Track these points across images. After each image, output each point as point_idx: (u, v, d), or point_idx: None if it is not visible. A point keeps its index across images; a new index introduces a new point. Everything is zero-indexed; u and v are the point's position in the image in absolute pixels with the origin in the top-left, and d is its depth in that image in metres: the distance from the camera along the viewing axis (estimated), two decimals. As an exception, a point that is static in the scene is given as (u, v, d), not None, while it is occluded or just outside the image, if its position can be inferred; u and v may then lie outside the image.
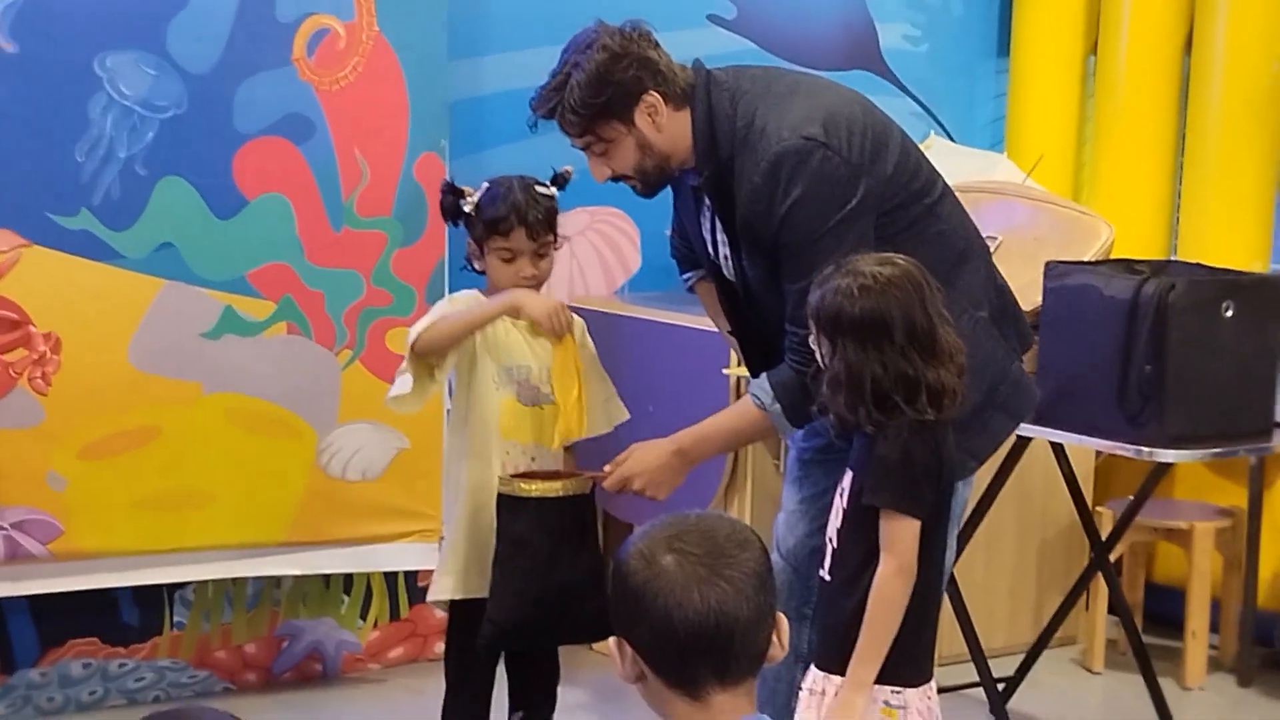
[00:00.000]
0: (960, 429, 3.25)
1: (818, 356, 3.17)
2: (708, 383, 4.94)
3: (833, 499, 3.33)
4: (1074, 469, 4.99)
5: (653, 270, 5.56)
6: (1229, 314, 4.38)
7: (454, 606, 3.93)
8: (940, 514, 3.15)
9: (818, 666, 3.21)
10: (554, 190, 3.90)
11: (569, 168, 3.94)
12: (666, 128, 3.49)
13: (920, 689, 3.14)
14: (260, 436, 4.79)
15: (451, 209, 3.88)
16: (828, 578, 3.21)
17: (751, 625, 2.13)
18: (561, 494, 3.71)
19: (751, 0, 5.77)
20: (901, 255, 3.16)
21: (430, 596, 3.98)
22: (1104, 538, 5.02)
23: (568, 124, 3.52)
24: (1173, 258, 5.58)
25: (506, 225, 3.79)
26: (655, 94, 3.47)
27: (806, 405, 3.34)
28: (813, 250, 3.34)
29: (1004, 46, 6.25)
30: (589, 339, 4.00)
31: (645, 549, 2.16)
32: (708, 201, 3.56)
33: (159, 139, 4.59)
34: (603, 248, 5.58)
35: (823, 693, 3.18)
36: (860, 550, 3.12)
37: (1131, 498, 4.97)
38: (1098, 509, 5.42)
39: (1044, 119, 6.12)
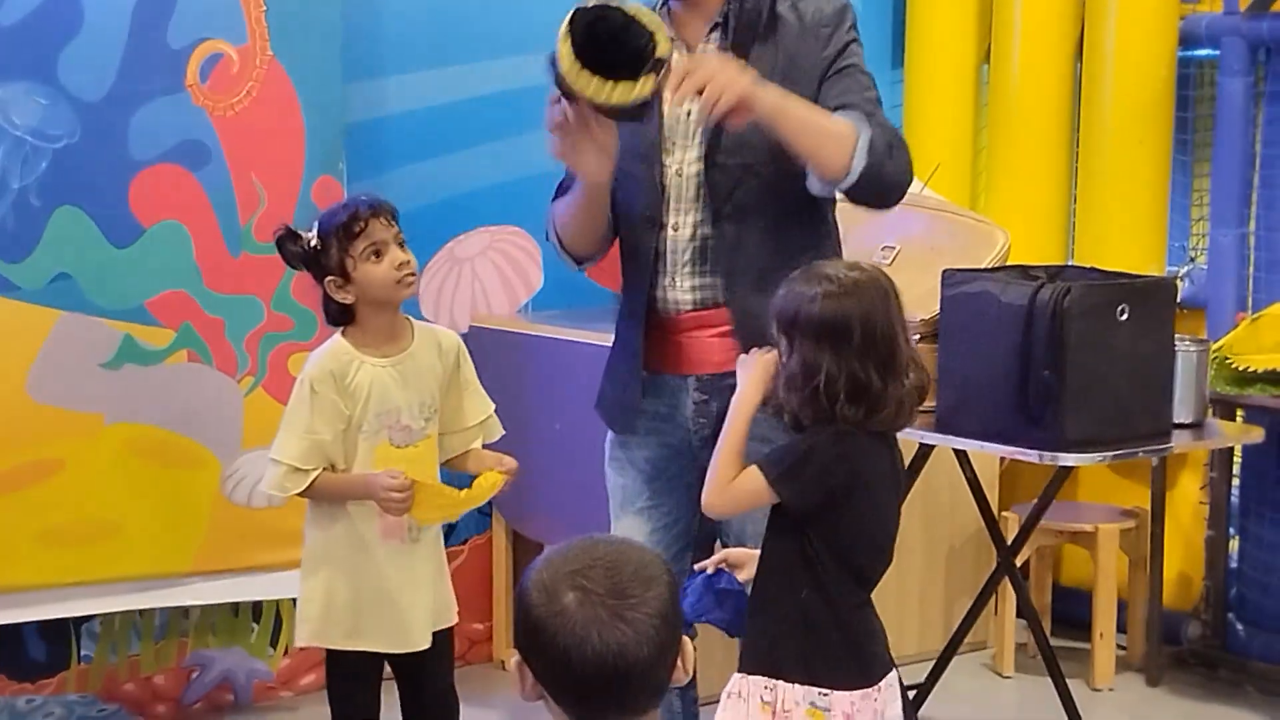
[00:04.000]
0: None
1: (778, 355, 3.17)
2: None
3: (682, 530, 3.56)
4: (978, 475, 5.03)
5: (555, 288, 5.56)
6: (1124, 318, 4.43)
7: (330, 654, 3.95)
8: (844, 523, 3.14)
9: (742, 670, 3.21)
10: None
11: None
12: None
13: (847, 694, 3.15)
14: (164, 466, 4.75)
15: (297, 254, 3.84)
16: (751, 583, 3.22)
17: (652, 664, 2.09)
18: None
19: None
20: (869, 262, 3.18)
21: (299, 641, 3.98)
22: (1010, 542, 5.06)
23: None
24: (1069, 263, 5.64)
25: (360, 222, 3.77)
26: None
27: (879, 166, 3.35)
28: (863, 84, 3.43)
29: (898, 58, 6.29)
30: (465, 356, 3.98)
31: (547, 581, 2.11)
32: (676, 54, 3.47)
33: (52, 169, 4.55)
34: (504, 266, 5.57)
35: (739, 695, 3.18)
36: (783, 557, 3.15)
37: (1036, 501, 5.02)
38: (1003, 514, 5.46)
39: (940, 128, 6.16)
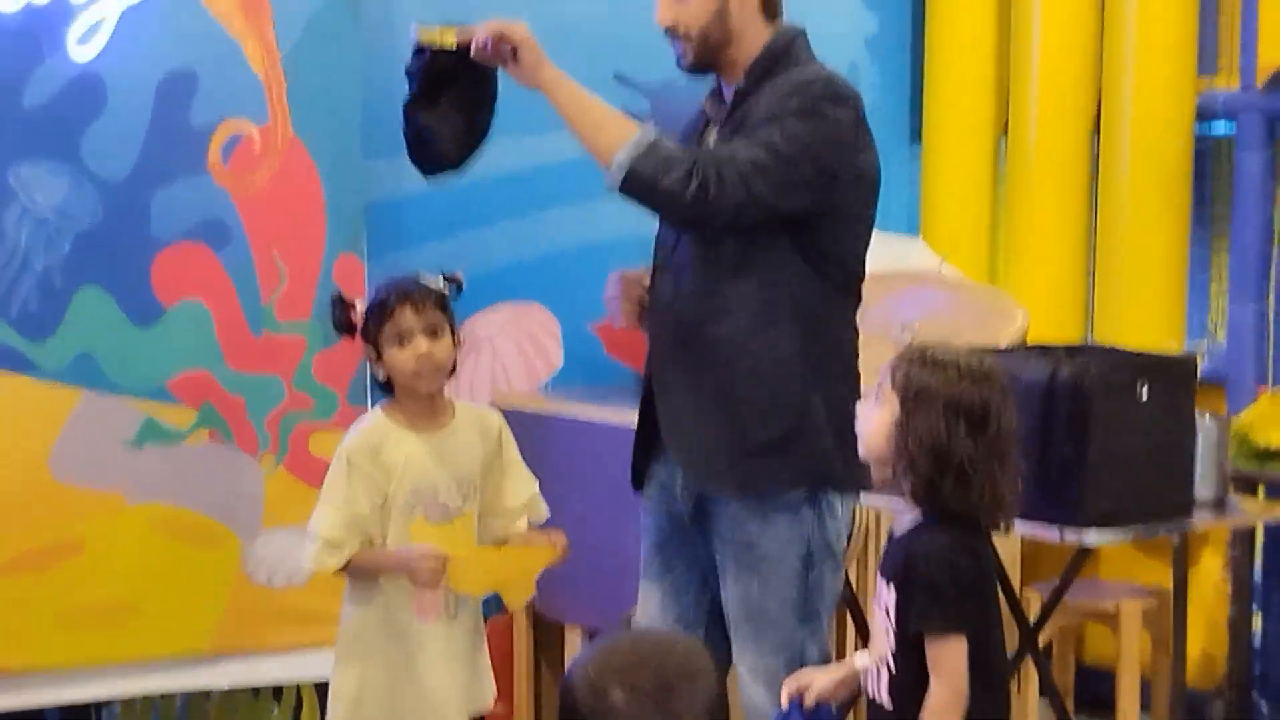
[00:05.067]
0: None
1: (885, 423, 3.07)
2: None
3: (691, 602, 3.59)
4: (999, 552, 5.00)
5: (576, 366, 5.56)
6: (1144, 395, 4.42)
7: None
8: (989, 623, 3.07)
9: None
10: (440, 283, 3.88)
11: (459, 272, 3.93)
12: (748, 18, 3.53)
13: None
14: (185, 546, 4.74)
15: (344, 321, 3.88)
16: (889, 705, 3.11)
17: None
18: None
19: (666, 98, 5.78)
20: (988, 355, 3.15)
21: None
22: (1032, 621, 5.03)
23: None
24: (1088, 339, 5.64)
25: (389, 307, 3.79)
26: None
27: (655, 175, 3.34)
28: (768, 133, 3.40)
29: (916, 132, 6.31)
30: (508, 436, 3.98)
31: (594, 678, 2.12)
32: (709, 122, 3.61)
33: (75, 248, 4.57)
34: (524, 344, 5.58)
35: None
36: (924, 673, 3.05)
37: (1057, 580, 4.99)
38: (1025, 592, 5.44)
39: (958, 203, 6.18)
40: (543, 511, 4.00)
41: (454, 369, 3.90)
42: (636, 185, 3.36)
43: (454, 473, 3.83)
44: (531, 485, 3.99)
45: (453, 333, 3.86)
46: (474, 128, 3.65)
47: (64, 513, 4.59)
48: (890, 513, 4.79)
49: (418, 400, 3.84)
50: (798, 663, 3.47)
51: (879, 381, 3.10)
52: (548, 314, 5.54)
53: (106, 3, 4.57)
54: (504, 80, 3.63)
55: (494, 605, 5.43)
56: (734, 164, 3.36)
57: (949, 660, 3.00)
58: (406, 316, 3.79)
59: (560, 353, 5.60)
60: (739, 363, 3.51)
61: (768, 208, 3.40)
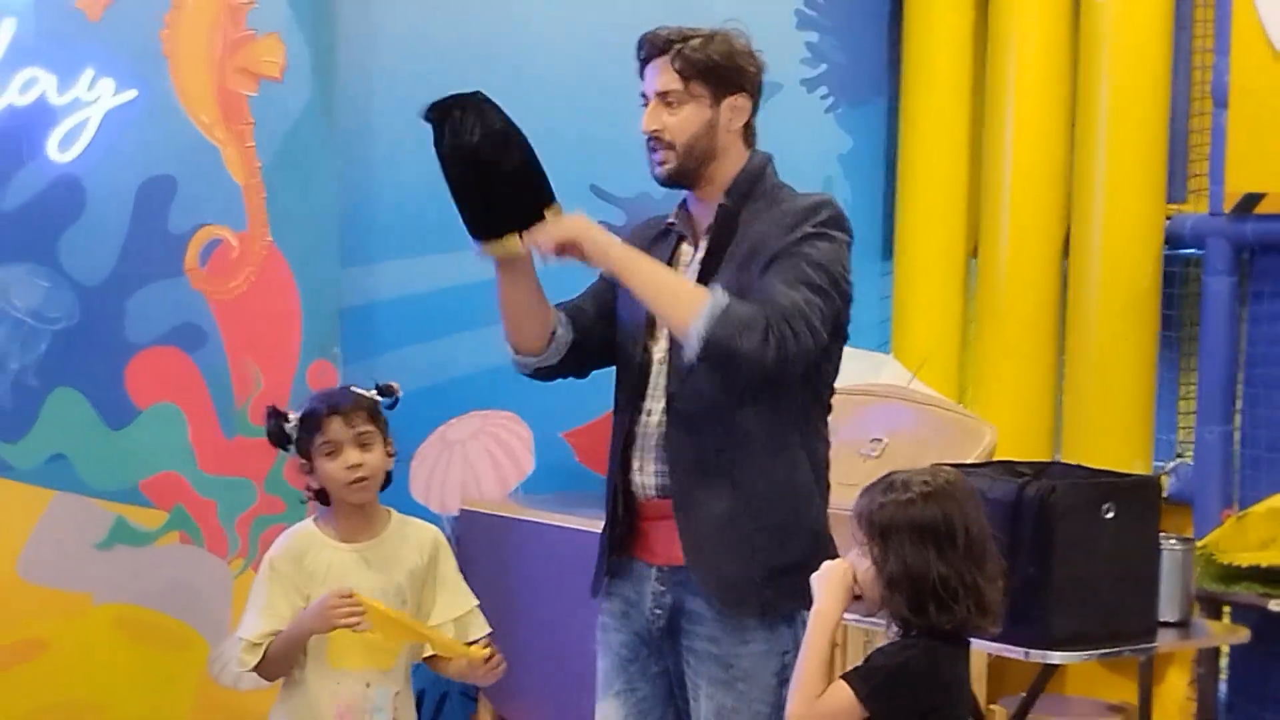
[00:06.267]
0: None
1: (870, 570, 3.08)
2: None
3: (659, 707, 3.56)
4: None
5: (546, 472, 5.59)
6: (1109, 515, 4.45)
7: None
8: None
9: None
10: (374, 394, 3.89)
11: (394, 383, 3.93)
12: (731, 137, 3.54)
13: None
14: (151, 647, 4.76)
15: (276, 433, 3.88)
16: None
17: None
18: None
19: (640, 210, 5.82)
20: (946, 467, 3.16)
21: None
22: (996, 737, 5.04)
23: (675, 60, 3.49)
24: (1056, 459, 5.66)
25: (318, 418, 3.81)
26: (748, 103, 3.55)
27: (732, 341, 3.31)
28: (803, 268, 3.40)
29: (888, 249, 6.37)
30: (446, 552, 3.97)
31: None
32: (687, 247, 3.58)
33: (51, 350, 4.61)
34: (495, 450, 5.60)
35: None
36: None
37: (1023, 696, 5.00)
38: (990, 707, 5.44)
39: (928, 320, 6.23)
40: (479, 629, 3.95)
41: (388, 480, 3.91)
42: (715, 352, 3.34)
43: (380, 582, 3.83)
44: (467, 602, 3.95)
45: (385, 443, 3.88)
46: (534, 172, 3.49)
47: (29, 613, 4.61)
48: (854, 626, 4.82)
49: (350, 511, 3.86)
50: None
51: (854, 534, 3.12)
52: (519, 420, 5.57)
53: (89, 106, 4.63)
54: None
55: (458, 710, 5.45)
56: (798, 315, 3.36)
57: (836, 699, 3.04)
58: (336, 428, 3.81)
59: (531, 459, 5.62)
60: (759, 485, 3.49)
61: (822, 342, 3.43)
